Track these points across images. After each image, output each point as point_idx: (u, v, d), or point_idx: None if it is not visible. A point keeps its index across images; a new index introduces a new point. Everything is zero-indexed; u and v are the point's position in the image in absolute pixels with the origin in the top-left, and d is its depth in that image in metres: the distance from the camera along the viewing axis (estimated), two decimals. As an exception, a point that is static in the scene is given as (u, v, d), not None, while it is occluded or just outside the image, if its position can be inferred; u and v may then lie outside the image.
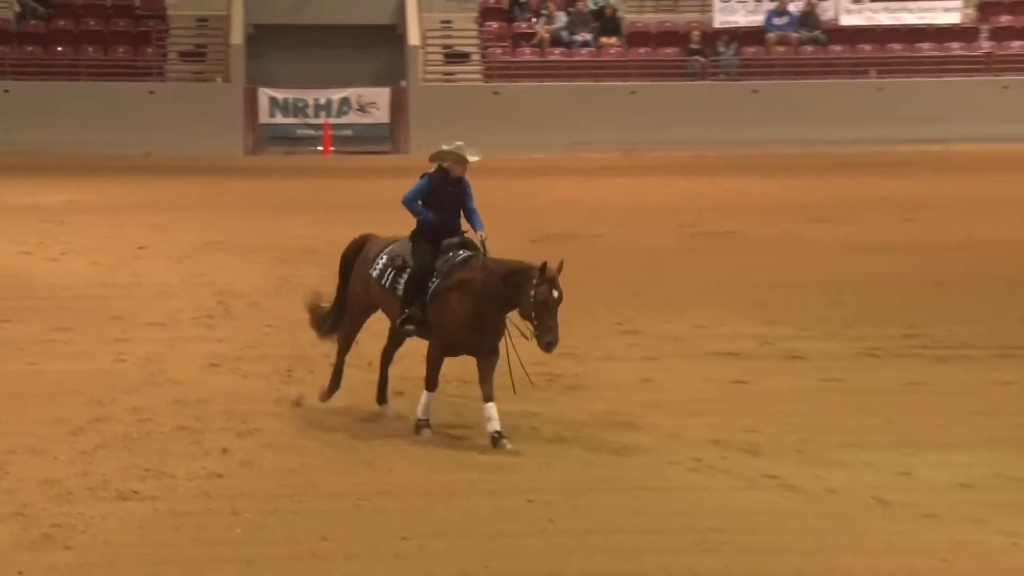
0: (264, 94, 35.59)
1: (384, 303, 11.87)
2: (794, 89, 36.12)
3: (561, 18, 37.10)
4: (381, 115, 35.77)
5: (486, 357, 11.26)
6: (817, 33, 37.31)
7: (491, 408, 11.07)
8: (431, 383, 11.45)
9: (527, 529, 9.27)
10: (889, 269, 18.79)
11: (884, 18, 37.76)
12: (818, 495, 9.94)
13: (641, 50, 37.33)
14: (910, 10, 37.68)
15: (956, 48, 37.65)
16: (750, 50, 37.25)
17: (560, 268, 10.93)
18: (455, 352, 11.50)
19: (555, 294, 10.83)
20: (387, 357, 12.13)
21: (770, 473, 10.40)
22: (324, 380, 12.27)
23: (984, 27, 38.10)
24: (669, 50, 37.28)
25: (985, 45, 37.83)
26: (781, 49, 37.12)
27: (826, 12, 37.63)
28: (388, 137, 35.62)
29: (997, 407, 12.29)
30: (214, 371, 13.39)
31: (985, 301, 16.79)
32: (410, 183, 11.81)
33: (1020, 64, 37.17)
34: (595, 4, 37.37)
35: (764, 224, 22.65)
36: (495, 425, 11.01)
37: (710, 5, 37.47)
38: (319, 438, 11.33)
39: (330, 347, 12.46)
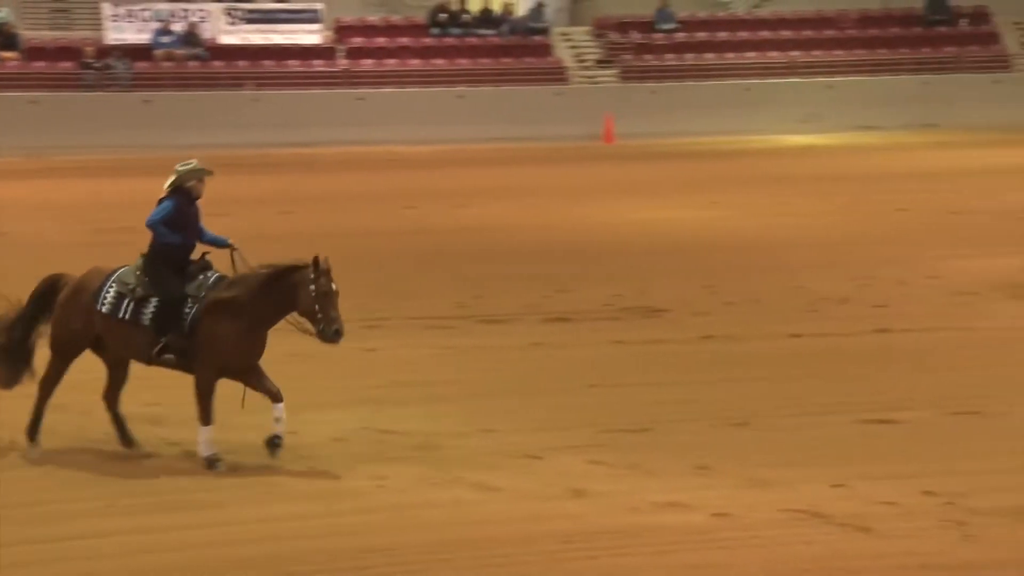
0: None
1: (122, 337, 10.19)
2: (181, 100, 35.94)
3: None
4: None
5: (252, 375, 10.10)
6: (200, 50, 37.20)
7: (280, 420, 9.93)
8: (207, 416, 10.00)
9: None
10: (264, 255, 18.87)
11: (257, 38, 38.21)
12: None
13: (40, 63, 36.01)
14: (279, 31, 38.33)
15: (318, 65, 38.65)
16: (141, 64, 36.64)
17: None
18: (226, 375, 10.10)
19: (333, 286, 9.95)
20: (113, 398, 10.43)
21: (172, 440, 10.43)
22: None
23: (341, 47, 39.24)
24: (66, 63, 36.14)
25: (342, 62, 39.01)
26: (169, 64, 36.78)
27: (206, 32, 37.63)
28: None
29: (366, 371, 12.73)
30: None
31: (352, 279, 17.29)
32: None
33: (371, 79, 38.62)
34: (-3, 20, 35.64)
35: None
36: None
37: (101, 23, 36.61)
38: None
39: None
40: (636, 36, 41.13)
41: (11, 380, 10.52)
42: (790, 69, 40.66)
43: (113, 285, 10.23)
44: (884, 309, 15.27)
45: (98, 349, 10.46)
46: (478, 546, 8.52)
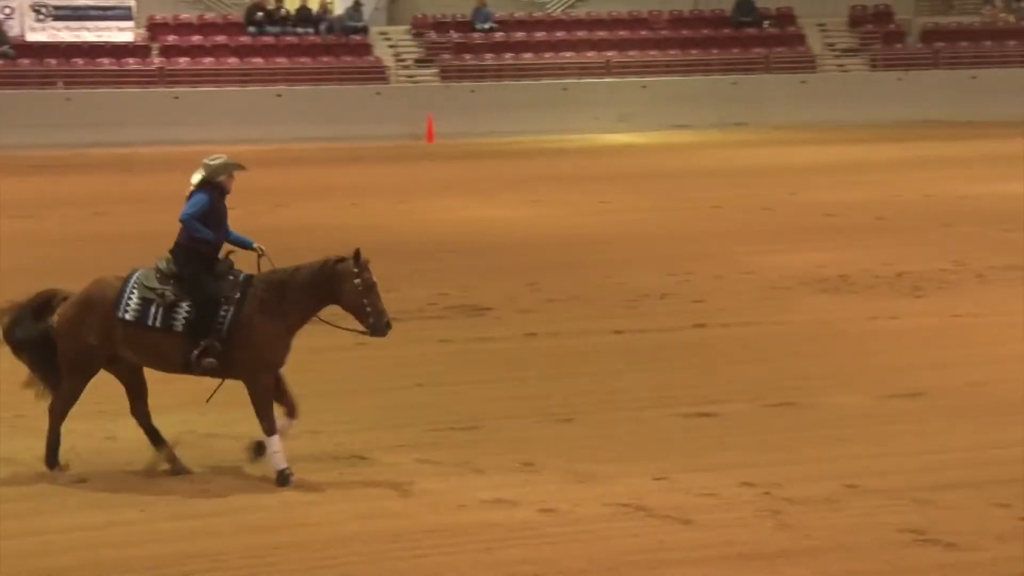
0: None
1: (150, 345, 9.54)
2: (-12, 99, 34.91)
3: None
4: None
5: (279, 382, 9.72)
6: (6, 48, 36.08)
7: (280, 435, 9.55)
8: (272, 424, 9.48)
9: None
10: (77, 256, 18.47)
11: (66, 35, 37.22)
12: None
13: None
14: (89, 28, 37.41)
15: (132, 63, 37.84)
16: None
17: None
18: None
19: (374, 278, 9.62)
20: (142, 411, 9.81)
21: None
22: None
23: (155, 45, 38.49)
24: None
25: (157, 61, 38.25)
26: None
27: (13, 29, 36.51)
28: None
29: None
30: None
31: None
32: None
33: (187, 78, 37.96)
34: None
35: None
36: (279, 463, 9.49)
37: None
38: None
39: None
40: (455, 36, 41.24)
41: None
42: (606, 69, 41.24)
43: (135, 290, 9.59)
44: (702, 304, 15.58)
45: (109, 362, 9.79)
46: (304, 548, 8.44)
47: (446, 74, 40.53)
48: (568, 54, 41.55)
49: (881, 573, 7.93)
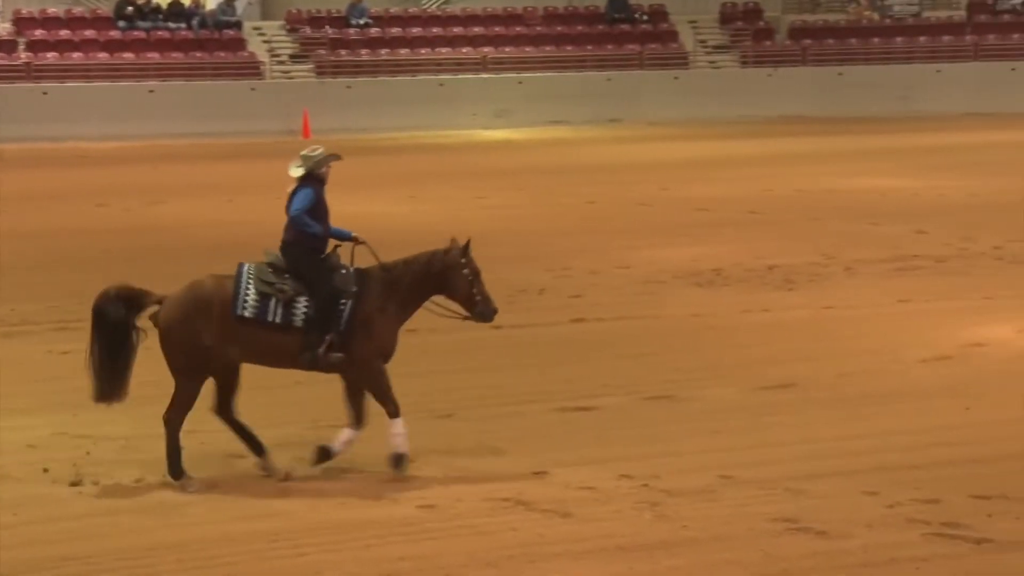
0: None
1: (268, 341, 9.37)
2: None
3: None
4: None
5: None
6: None
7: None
8: (396, 406, 9.55)
9: None
10: None
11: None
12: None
13: None
14: (-48, 22, 36.54)
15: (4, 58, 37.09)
16: None
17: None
18: None
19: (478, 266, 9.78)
20: (228, 409, 9.53)
21: None
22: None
23: (21, 40, 37.69)
24: None
25: (24, 56, 37.44)
26: None
27: None
28: None
29: (61, 374, 12.24)
30: None
31: (43, 281, 16.73)
32: None
33: (55, 73, 37.25)
34: None
35: None
36: (403, 446, 9.53)
37: None
38: None
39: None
40: (330, 31, 40.99)
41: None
42: (482, 65, 41.30)
43: (251, 286, 9.37)
44: (579, 299, 15.68)
45: (224, 363, 9.51)
46: (182, 549, 8.34)
47: (321, 70, 40.27)
48: (444, 50, 41.55)
49: (755, 562, 8.06)
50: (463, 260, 9.78)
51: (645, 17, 43.47)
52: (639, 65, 42.32)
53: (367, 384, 9.67)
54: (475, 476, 9.57)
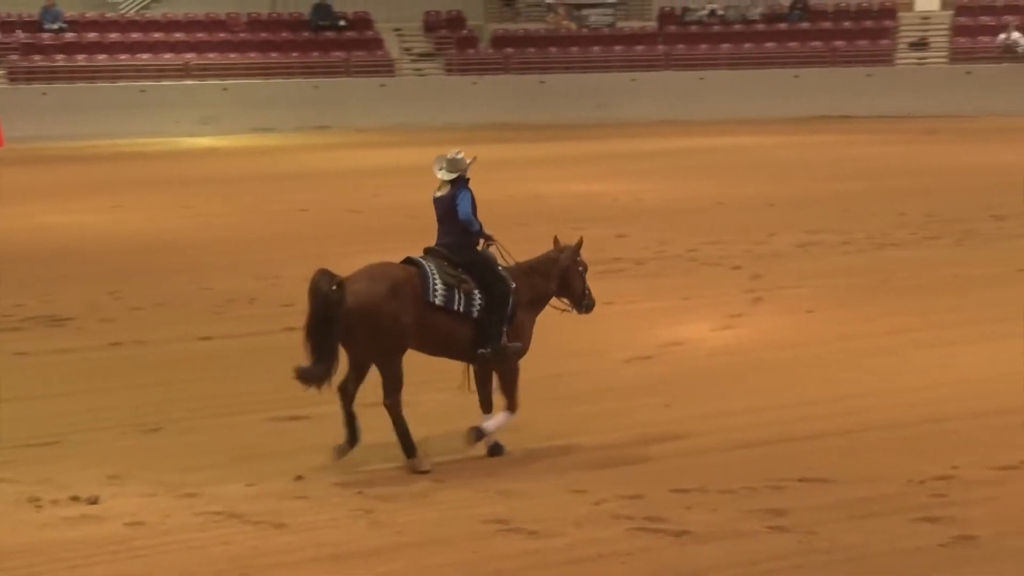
0: None
1: (449, 330, 9.71)
2: None
3: None
4: None
5: None
6: None
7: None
8: (517, 403, 10.03)
9: None
10: None
11: None
12: None
13: None
14: None
15: None
16: None
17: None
18: None
19: None
20: (354, 394, 9.75)
21: None
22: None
23: None
24: None
25: None
26: None
27: None
28: None
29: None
30: None
31: None
32: None
33: None
34: None
35: None
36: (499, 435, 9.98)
37: None
38: None
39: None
40: (22, 36, 39.46)
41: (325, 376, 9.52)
42: (185, 71, 40.47)
43: (436, 276, 9.70)
44: (291, 307, 15.42)
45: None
46: None
47: (14, 76, 38.71)
48: (145, 56, 40.53)
49: (468, 563, 8.13)
50: (578, 257, 10.44)
51: (344, 23, 43.42)
52: (345, 72, 42.25)
53: (507, 375, 10.00)
54: (185, 490, 9.34)
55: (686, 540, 8.40)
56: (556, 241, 10.53)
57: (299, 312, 15.00)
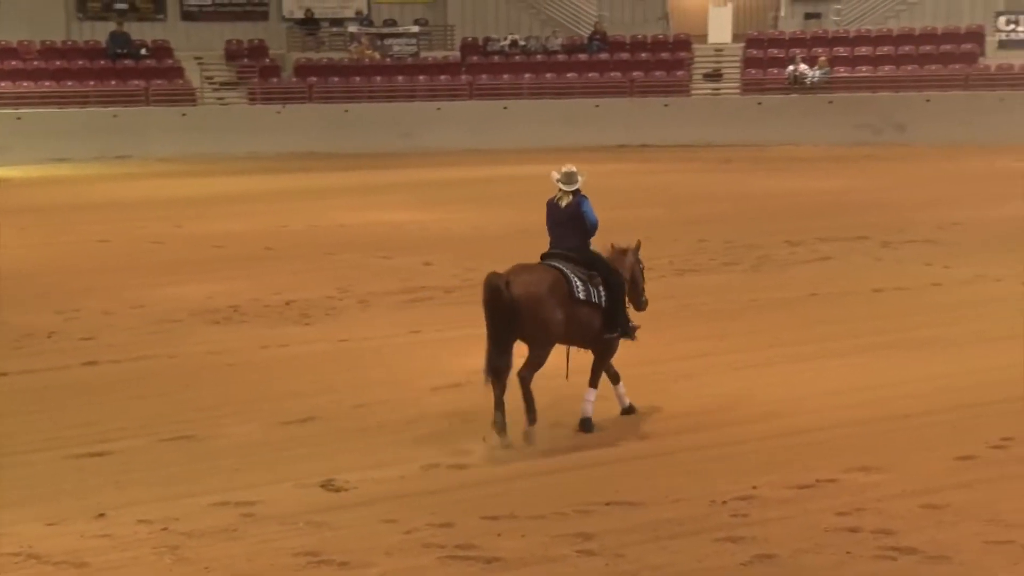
0: None
1: (587, 320, 11.24)
2: None
3: None
4: None
5: None
6: None
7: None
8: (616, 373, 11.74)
9: None
10: None
11: None
12: None
13: None
14: None
15: None
16: None
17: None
18: None
19: None
20: (505, 378, 10.99)
21: None
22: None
23: None
24: None
25: None
26: None
27: None
28: None
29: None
30: None
31: None
32: None
33: None
34: None
35: None
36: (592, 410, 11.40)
37: None
38: None
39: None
40: None
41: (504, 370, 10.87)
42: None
43: (573, 275, 11.13)
44: (92, 341, 15.12)
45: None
46: None
47: None
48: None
49: (281, 597, 8.02)
50: (639, 256, 11.97)
51: (144, 52, 42.66)
52: (145, 101, 41.46)
53: (609, 355, 11.59)
54: (-17, 532, 9.00)
55: (496, 567, 8.44)
56: (613, 247, 11.83)
57: (102, 346, 14.77)
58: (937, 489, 9.68)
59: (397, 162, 38.11)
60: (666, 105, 43.16)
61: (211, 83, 43.57)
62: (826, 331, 15.00)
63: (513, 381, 10.96)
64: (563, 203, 11.46)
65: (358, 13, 46.65)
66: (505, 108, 43.08)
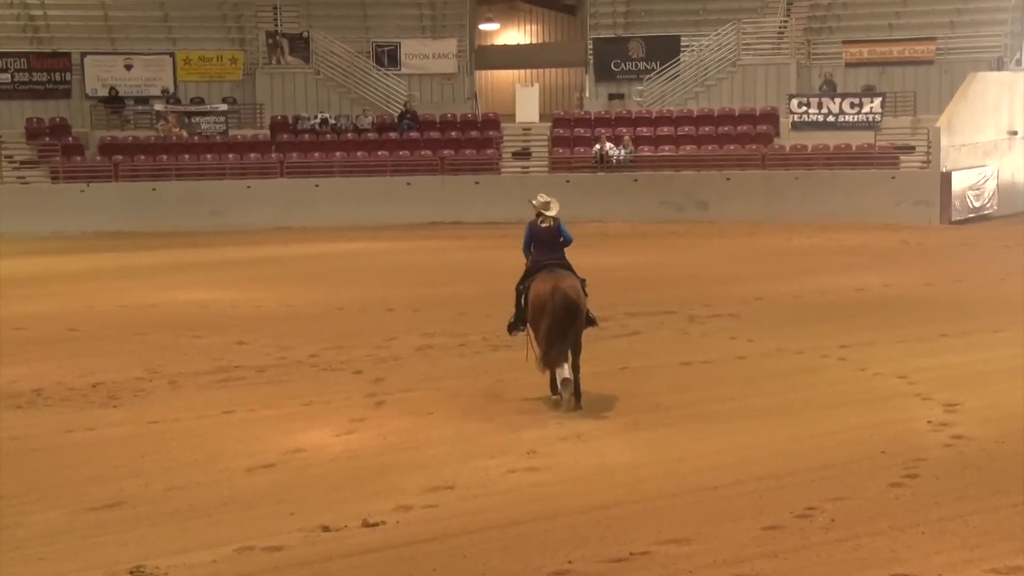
0: None
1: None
2: None
3: None
4: None
5: None
6: None
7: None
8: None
9: None
10: None
11: None
12: None
13: None
14: None
15: None
16: None
17: None
18: None
19: None
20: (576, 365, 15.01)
21: None
22: None
23: None
24: None
25: None
26: None
27: None
28: None
29: None
30: None
31: None
32: None
33: None
34: None
35: None
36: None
37: None
38: None
39: None
40: None
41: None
42: None
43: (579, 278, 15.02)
44: None
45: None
46: None
47: None
48: None
49: None
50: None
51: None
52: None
53: (579, 345, 14.78)
54: None
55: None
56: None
57: None
58: (746, 559, 9.89)
59: (207, 240, 37.64)
60: (477, 183, 43.59)
61: (11, 162, 42.50)
62: (636, 404, 15.26)
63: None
64: (544, 224, 15.10)
65: (164, 91, 46.11)
66: (316, 186, 42.95)
